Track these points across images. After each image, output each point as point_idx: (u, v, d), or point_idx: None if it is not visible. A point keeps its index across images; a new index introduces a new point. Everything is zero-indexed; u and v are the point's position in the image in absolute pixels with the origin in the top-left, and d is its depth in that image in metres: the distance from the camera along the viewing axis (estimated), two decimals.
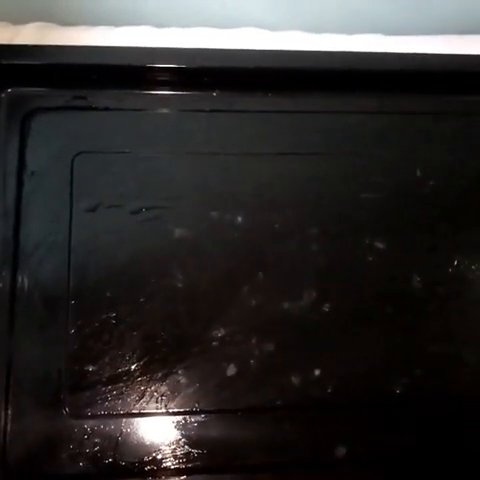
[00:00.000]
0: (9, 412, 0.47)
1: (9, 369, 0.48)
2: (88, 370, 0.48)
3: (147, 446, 0.47)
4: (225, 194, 0.53)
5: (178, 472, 0.47)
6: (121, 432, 0.47)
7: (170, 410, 0.48)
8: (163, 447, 0.48)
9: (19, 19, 0.61)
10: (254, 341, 0.50)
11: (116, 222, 0.52)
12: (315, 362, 0.50)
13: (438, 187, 0.55)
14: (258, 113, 0.56)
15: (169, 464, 0.47)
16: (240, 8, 0.61)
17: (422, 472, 0.49)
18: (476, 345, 0.52)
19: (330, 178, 0.55)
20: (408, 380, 0.51)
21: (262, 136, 0.55)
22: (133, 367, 0.49)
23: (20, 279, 0.50)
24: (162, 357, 0.49)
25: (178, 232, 0.52)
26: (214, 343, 0.50)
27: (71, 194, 0.52)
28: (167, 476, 0.47)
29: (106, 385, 0.48)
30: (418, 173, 0.56)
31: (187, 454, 0.47)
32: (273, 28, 0.62)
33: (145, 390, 0.48)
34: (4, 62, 0.54)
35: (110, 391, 0.48)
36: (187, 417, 0.48)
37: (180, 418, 0.48)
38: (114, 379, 0.48)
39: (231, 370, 0.49)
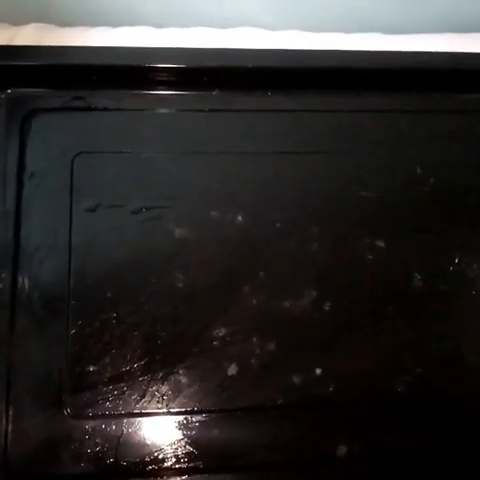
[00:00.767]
0: (10, 413, 0.47)
1: (10, 370, 0.48)
2: (89, 370, 0.48)
3: (148, 446, 0.47)
4: (225, 194, 0.53)
5: (179, 472, 0.47)
6: (122, 432, 0.47)
7: (171, 410, 0.48)
8: (164, 447, 0.47)
9: (18, 20, 0.61)
10: (255, 340, 0.50)
11: (116, 222, 0.52)
12: (316, 361, 0.50)
13: (438, 185, 0.55)
14: (257, 112, 0.56)
15: (170, 464, 0.47)
16: (238, 8, 0.61)
17: (423, 471, 0.49)
18: (477, 343, 0.52)
19: (330, 177, 0.55)
20: (409, 379, 0.51)
21: (262, 135, 0.55)
22: (134, 367, 0.49)
23: (20, 280, 0.50)
24: (163, 357, 0.49)
25: (178, 232, 0.52)
26: (215, 343, 0.50)
27: (71, 194, 0.52)
28: (168, 476, 0.47)
29: (107, 385, 0.48)
30: (418, 171, 0.56)
31: (188, 454, 0.47)
32: (271, 27, 0.62)
33: (146, 390, 0.48)
34: (3, 63, 0.54)
35: (111, 391, 0.48)
36: (188, 417, 0.48)
37: (181, 418, 0.48)
38: (115, 379, 0.48)
39: (232, 369, 0.49)
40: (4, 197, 0.51)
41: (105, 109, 0.55)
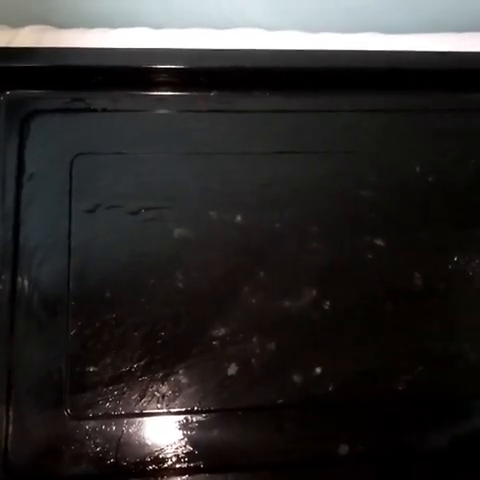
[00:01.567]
0: (10, 414, 0.47)
1: (10, 371, 0.48)
2: (89, 371, 0.48)
3: (149, 446, 0.47)
4: (224, 194, 0.53)
5: (180, 472, 0.47)
6: (123, 432, 0.47)
7: (171, 410, 0.48)
8: (165, 447, 0.47)
9: (17, 22, 0.62)
10: (255, 340, 0.50)
11: (115, 223, 0.52)
12: (316, 360, 0.50)
13: (437, 183, 0.55)
14: (256, 113, 0.56)
15: (171, 464, 0.47)
16: (236, 8, 0.61)
17: (424, 470, 0.49)
18: (478, 341, 0.52)
19: (329, 176, 0.55)
20: (410, 377, 0.50)
21: (260, 135, 0.55)
22: (134, 367, 0.49)
23: (20, 281, 0.50)
24: (163, 357, 0.49)
25: (178, 232, 0.52)
26: (215, 342, 0.50)
27: (70, 195, 0.52)
28: (169, 476, 0.47)
29: (107, 386, 0.48)
30: (417, 170, 0.56)
31: (189, 454, 0.47)
32: (270, 28, 0.62)
33: (146, 390, 0.48)
34: (2, 65, 0.54)
35: (111, 392, 0.48)
36: (188, 417, 0.48)
37: (181, 418, 0.48)
38: (115, 380, 0.48)
39: (232, 369, 0.49)
40: (3, 198, 0.51)
41: (104, 110, 0.55)
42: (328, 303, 0.51)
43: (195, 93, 0.56)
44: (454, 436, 0.50)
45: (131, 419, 0.48)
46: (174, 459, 0.47)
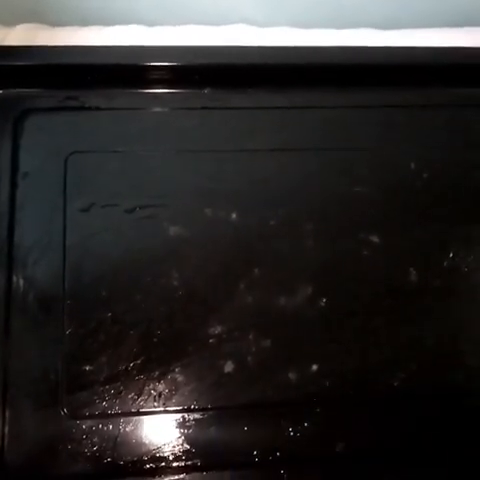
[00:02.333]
0: (7, 413, 0.47)
1: (6, 370, 0.48)
2: (85, 370, 0.48)
3: (146, 445, 0.47)
4: (219, 191, 0.53)
5: (177, 470, 0.47)
6: (119, 431, 0.47)
7: (168, 408, 0.48)
8: (162, 445, 0.47)
9: (9, 20, 0.61)
10: (251, 337, 0.50)
11: (111, 221, 0.52)
12: (312, 357, 0.50)
13: (432, 180, 0.55)
14: (250, 109, 0.56)
15: (168, 462, 0.47)
16: (229, 5, 0.60)
17: (422, 465, 0.49)
18: (473, 337, 0.52)
19: (324, 173, 0.55)
20: (406, 374, 0.51)
21: (254, 132, 0.55)
22: (130, 366, 0.49)
23: (15, 280, 0.50)
24: (159, 355, 0.49)
25: (173, 230, 0.52)
26: (211, 340, 0.50)
27: (65, 194, 0.52)
28: (166, 474, 0.47)
29: (103, 385, 0.48)
30: (412, 166, 0.56)
31: (186, 452, 0.47)
32: (262, 24, 0.62)
33: (143, 389, 0.48)
34: None
35: (108, 390, 0.48)
36: (185, 415, 0.48)
37: (178, 416, 0.48)
38: (111, 378, 0.48)
39: (228, 367, 0.49)
40: None
41: (98, 108, 0.55)
42: (324, 300, 0.51)
43: (189, 90, 0.56)
44: (452, 431, 0.50)
45: (128, 418, 0.48)
46: (171, 457, 0.47)
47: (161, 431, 0.48)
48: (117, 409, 0.48)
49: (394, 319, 0.52)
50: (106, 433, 0.47)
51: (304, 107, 0.56)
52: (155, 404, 0.48)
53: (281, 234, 0.53)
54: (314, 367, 0.50)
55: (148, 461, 0.47)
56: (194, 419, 0.48)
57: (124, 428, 0.48)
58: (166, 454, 0.47)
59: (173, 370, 0.49)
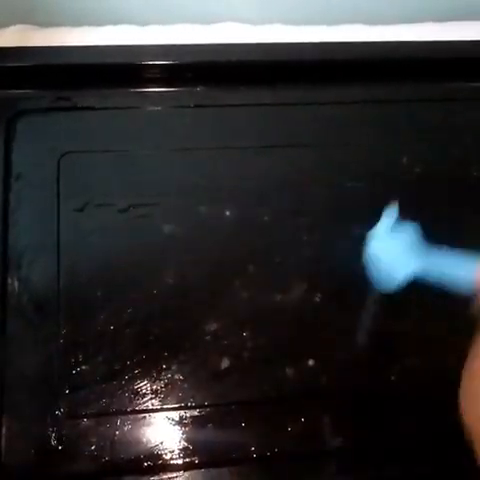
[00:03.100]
0: (4, 414, 0.47)
1: (2, 371, 0.48)
2: (82, 369, 0.48)
3: (143, 443, 0.48)
4: (212, 189, 0.54)
5: (175, 468, 0.47)
6: (117, 430, 0.48)
7: (165, 406, 0.48)
8: (159, 443, 0.48)
9: (1, 21, 0.61)
10: (246, 334, 0.50)
11: (105, 221, 0.52)
12: (308, 352, 0.50)
13: (424, 174, 0.56)
14: (242, 107, 0.56)
15: (166, 460, 0.47)
16: (220, 3, 0.60)
17: (419, 459, 0.49)
18: (469, 331, 0.53)
19: (316, 168, 0.55)
20: (402, 367, 0.51)
21: (247, 130, 0.56)
22: (126, 365, 0.49)
23: (10, 281, 0.50)
24: (155, 353, 0.49)
25: (167, 228, 0.52)
26: (207, 337, 0.50)
27: (58, 194, 0.52)
28: (164, 472, 0.47)
29: (100, 384, 0.48)
30: (404, 160, 0.56)
31: (184, 449, 0.48)
32: (254, 22, 0.62)
33: (139, 387, 0.48)
34: None
35: (104, 390, 0.48)
36: (182, 412, 0.48)
37: (175, 414, 0.48)
38: (108, 378, 0.48)
39: (225, 363, 0.49)
40: None
41: (91, 108, 0.55)
42: (318, 295, 0.52)
43: (181, 89, 0.56)
44: (449, 424, 0.50)
45: (125, 416, 0.48)
46: (169, 455, 0.47)
47: (158, 429, 0.48)
48: (114, 408, 0.48)
49: (390, 314, 0.52)
50: (104, 432, 0.47)
51: (296, 104, 0.57)
52: (152, 402, 0.48)
53: (275, 230, 0.53)
54: (310, 362, 0.50)
55: (146, 459, 0.47)
56: (191, 416, 0.48)
57: (121, 427, 0.48)
58: (164, 452, 0.47)
59: (169, 368, 0.49)
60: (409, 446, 0.49)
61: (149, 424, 0.48)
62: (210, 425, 0.48)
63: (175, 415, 0.48)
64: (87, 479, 0.47)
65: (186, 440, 0.48)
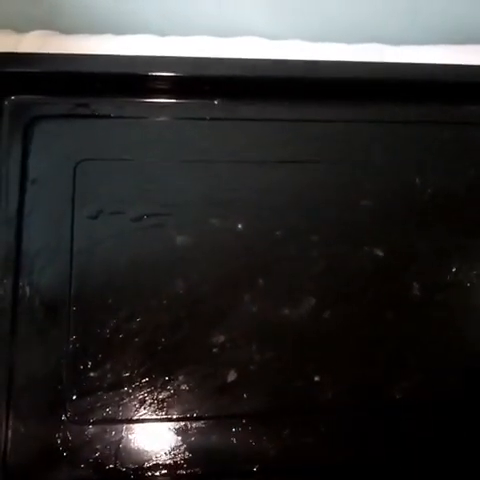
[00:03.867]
0: (10, 418, 0.47)
1: (11, 375, 0.48)
2: (89, 376, 0.49)
3: (148, 452, 0.48)
4: (226, 201, 0.54)
5: (178, 478, 0.47)
6: (122, 438, 0.48)
7: (170, 416, 0.49)
8: (163, 453, 0.48)
9: (22, 27, 0.62)
10: (254, 347, 0.50)
11: (118, 229, 0.52)
12: (315, 368, 0.50)
13: (437, 195, 0.56)
14: (258, 121, 0.56)
15: (169, 470, 0.47)
16: (240, 17, 0.61)
17: (423, 477, 0.50)
18: (475, 350, 0.53)
19: (330, 186, 0.55)
20: (408, 385, 0.51)
21: (262, 144, 0.56)
22: (134, 373, 0.49)
23: (22, 286, 0.50)
24: (163, 363, 0.49)
25: (179, 239, 0.52)
26: (214, 349, 0.50)
27: (73, 201, 0.52)
28: None
29: (107, 391, 0.48)
30: (417, 181, 0.56)
31: (187, 460, 0.48)
32: (272, 37, 0.62)
33: (146, 396, 0.49)
34: (7, 70, 0.54)
35: (111, 397, 0.48)
36: (187, 423, 0.48)
37: (180, 424, 0.48)
38: (115, 385, 0.49)
39: (231, 376, 0.50)
40: (6, 203, 0.51)
41: (108, 116, 0.55)
42: (327, 312, 0.52)
43: (198, 101, 0.57)
44: (453, 443, 0.50)
45: (130, 425, 0.48)
46: (173, 465, 0.47)
47: (163, 439, 0.48)
48: (120, 416, 0.48)
49: (397, 331, 0.52)
50: (108, 440, 0.47)
51: (312, 120, 0.57)
52: (158, 412, 0.49)
53: (286, 245, 0.53)
54: (317, 378, 0.50)
55: (150, 468, 0.47)
56: (196, 427, 0.48)
57: (126, 435, 0.48)
58: (167, 462, 0.47)
59: (176, 378, 0.49)
60: (414, 463, 0.50)
61: (154, 433, 0.48)
62: (215, 436, 0.48)
63: (180, 425, 0.48)
64: None
65: (190, 451, 0.48)
